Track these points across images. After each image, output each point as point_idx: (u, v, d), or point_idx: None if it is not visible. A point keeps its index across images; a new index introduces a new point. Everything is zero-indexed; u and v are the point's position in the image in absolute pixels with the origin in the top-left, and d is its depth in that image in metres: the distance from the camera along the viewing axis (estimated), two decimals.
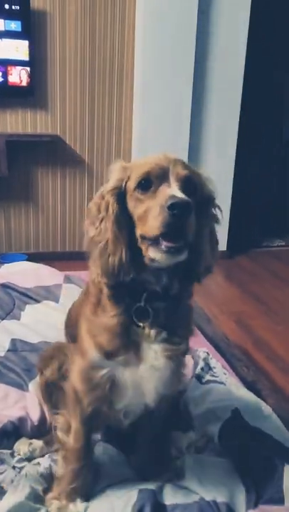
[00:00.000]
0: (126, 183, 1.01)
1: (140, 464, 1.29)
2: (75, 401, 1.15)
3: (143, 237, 0.96)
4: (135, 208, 0.98)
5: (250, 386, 1.78)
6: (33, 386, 1.54)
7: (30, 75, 3.43)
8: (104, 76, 3.68)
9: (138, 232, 0.97)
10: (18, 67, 3.40)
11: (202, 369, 1.67)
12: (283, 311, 3.16)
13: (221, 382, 1.62)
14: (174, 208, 0.89)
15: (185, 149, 3.67)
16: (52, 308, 2.14)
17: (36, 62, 3.49)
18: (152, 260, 0.96)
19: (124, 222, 1.00)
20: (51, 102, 3.63)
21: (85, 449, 1.18)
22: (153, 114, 3.61)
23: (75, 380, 1.13)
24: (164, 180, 0.96)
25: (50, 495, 1.19)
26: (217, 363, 1.75)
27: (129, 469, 1.29)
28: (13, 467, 1.26)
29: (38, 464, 1.28)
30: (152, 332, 1.05)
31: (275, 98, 4.88)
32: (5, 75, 3.39)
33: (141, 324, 1.04)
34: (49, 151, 3.69)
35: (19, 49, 3.37)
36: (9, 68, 3.38)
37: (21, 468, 1.25)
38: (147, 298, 1.03)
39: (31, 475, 1.22)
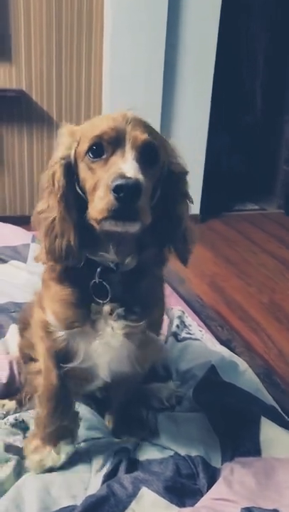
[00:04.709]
0: (76, 149, 0.91)
1: (115, 424, 1.27)
2: (40, 339, 1.09)
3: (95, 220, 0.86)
4: (86, 178, 0.88)
5: (224, 344, 1.77)
6: (2, 346, 1.49)
7: None
8: (72, 26, 3.46)
9: (89, 207, 0.88)
10: None
11: (178, 326, 1.65)
12: (255, 273, 3.19)
13: (197, 339, 1.60)
14: (120, 190, 0.78)
15: (158, 107, 3.54)
16: (20, 268, 2.06)
17: None
18: (103, 229, 0.87)
19: (74, 198, 0.90)
20: (15, 54, 3.40)
21: (56, 388, 1.11)
22: (124, 68, 3.46)
23: (37, 323, 1.08)
24: (119, 147, 0.85)
25: (28, 440, 1.15)
26: (192, 321, 1.73)
27: (105, 429, 1.28)
28: None
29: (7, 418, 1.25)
30: (106, 308, 0.97)
31: (249, 67, 4.83)
32: None
33: (100, 301, 0.97)
34: (14, 107, 3.49)
35: None
36: None
37: None
38: (102, 271, 0.95)
39: (1, 428, 1.19)
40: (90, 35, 3.51)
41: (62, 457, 1.12)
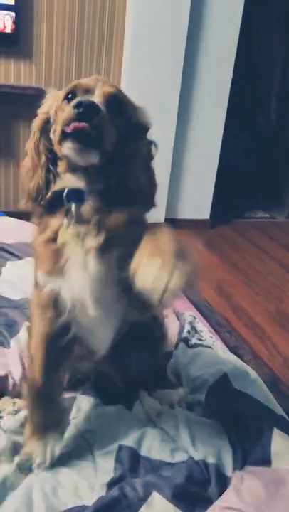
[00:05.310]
0: (56, 105, 1.04)
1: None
2: (33, 328, 1.15)
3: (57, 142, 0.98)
4: (59, 119, 0.99)
5: (233, 351, 1.78)
6: (15, 343, 1.49)
7: (15, 21, 3.20)
8: (94, 26, 3.48)
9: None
10: (2, 12, 3.15)
11: (188, 332, 1.66)
12: (263, 281, 3.19)
13: (208, 346, 1.60)
14: (79, 106, 0.90)
15: (174, 110, 3.56)
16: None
17: (22, 7, 3.26)
18: (66, 157, 0.98)
19: (45, 147, 1.04)
20: (36, 52, 3.42)
21: (39, 383, 1.13)
22: (143, 68, 3.47)
23: (32, 310, 1.15)
24: (89, 94, 0.97)
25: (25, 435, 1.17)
26: (203, 327, 1.74)
27: (111, 421, 1.27)
28: None
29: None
30: (73, 229, 1.01)
31: (266, 75, 4.83)
32: None
33: (66, 222, 1.02)
34: (33, 105, 3.47)
35: None
36: None
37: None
38: (71, 194, 1.02)
39: (10, 428, 1.21)
40: (110, 36, 3.53)
41: (49, 451, 1.13)
